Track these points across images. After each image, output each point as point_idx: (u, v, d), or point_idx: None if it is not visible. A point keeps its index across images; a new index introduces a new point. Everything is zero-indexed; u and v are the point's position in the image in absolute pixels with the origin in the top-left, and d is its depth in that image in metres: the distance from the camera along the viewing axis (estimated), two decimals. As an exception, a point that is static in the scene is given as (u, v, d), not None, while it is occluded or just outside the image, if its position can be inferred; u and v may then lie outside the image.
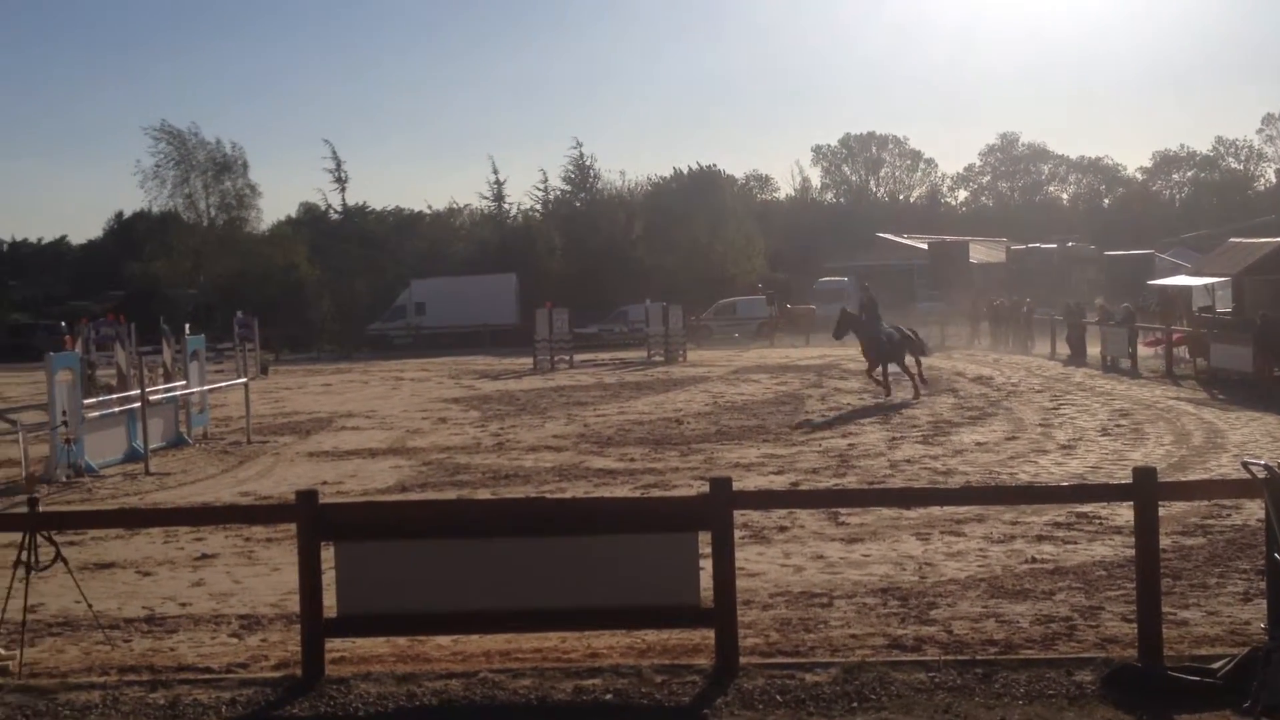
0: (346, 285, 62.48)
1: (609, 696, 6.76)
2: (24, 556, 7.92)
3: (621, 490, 13.78)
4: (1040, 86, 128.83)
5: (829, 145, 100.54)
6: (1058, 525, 10.98)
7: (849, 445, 16.75)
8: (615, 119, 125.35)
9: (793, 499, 11.19)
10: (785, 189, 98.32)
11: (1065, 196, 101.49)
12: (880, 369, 23.85)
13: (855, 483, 13.85)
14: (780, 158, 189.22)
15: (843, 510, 11.48)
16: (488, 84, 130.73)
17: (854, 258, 64.36)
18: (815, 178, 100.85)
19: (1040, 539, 10.58)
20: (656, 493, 13.29)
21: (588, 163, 72.00)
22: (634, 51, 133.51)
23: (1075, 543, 10.44)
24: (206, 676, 7.32)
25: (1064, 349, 32.34)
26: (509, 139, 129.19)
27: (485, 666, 7.33)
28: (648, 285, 51.41)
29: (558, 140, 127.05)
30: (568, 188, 72.77)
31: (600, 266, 60.74)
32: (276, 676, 7.28)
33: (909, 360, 24.17)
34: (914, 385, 23.69)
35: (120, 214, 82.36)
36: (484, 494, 13.85)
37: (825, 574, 9.63)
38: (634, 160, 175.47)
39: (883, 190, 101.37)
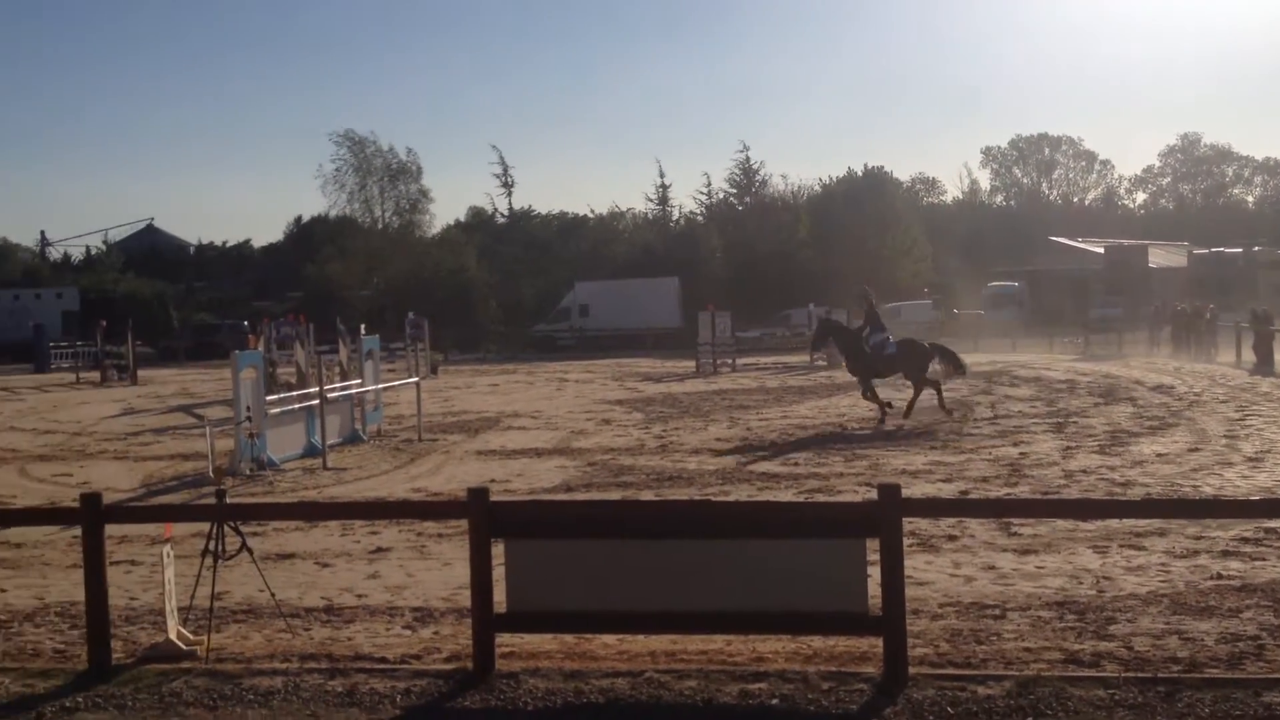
0: (512, 287, 63.65)
1: (775, 701, 6.71)
2: (212, 546, 8.28)
3: (785, 495, 13.68)
4: (1223, 85, 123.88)
5: (999, 147, 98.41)
6: (1245, 540, 10.49)
7: (1020, 454, 16.31)
8: (780, 122, 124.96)
9: (963, 508, 10.94)
10: (953, 192, 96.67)
11: (1250, 199, 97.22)
12: (868, 386, 20.99)
13: (1028, 492, 13.48)
14: (948, 160, 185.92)
15: (1015, 520, 11.18)
16: (653, 88, 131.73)
17: (1024, 262, 62.79)
18: (984, 180, 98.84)
19: (1226, 554, 10.12)
20: (820, 498, 13.17)
21: (753, 166, 71.92)
22: (800, 54, 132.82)
23: (1264, 559, 9.96)
24: (382, 666, 7.52)
25: (1250, 357, 30.95)
26: (674, 143, 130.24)
27: (651, 666, 7.35)
28: (811, 289, 51.00)
29: (722, 143, 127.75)
30: (732, 191, 72.79)
31: (763, 270, 60.58)
32: (448, 669, 7.44)
33: (935, 372, 21.18)
34: (908, 405, 20.55)
35: (300, 218, 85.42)
36: (647, 495, 13.92)
37: (997, 585, 9.39)
38: (799, 163, 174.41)
39: (1055, 193, 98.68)
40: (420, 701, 6.87)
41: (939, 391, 21.13)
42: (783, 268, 60.63)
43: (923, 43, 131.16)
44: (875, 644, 7.27)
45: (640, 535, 7.34)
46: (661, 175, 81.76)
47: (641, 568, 7.29)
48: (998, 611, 8.63)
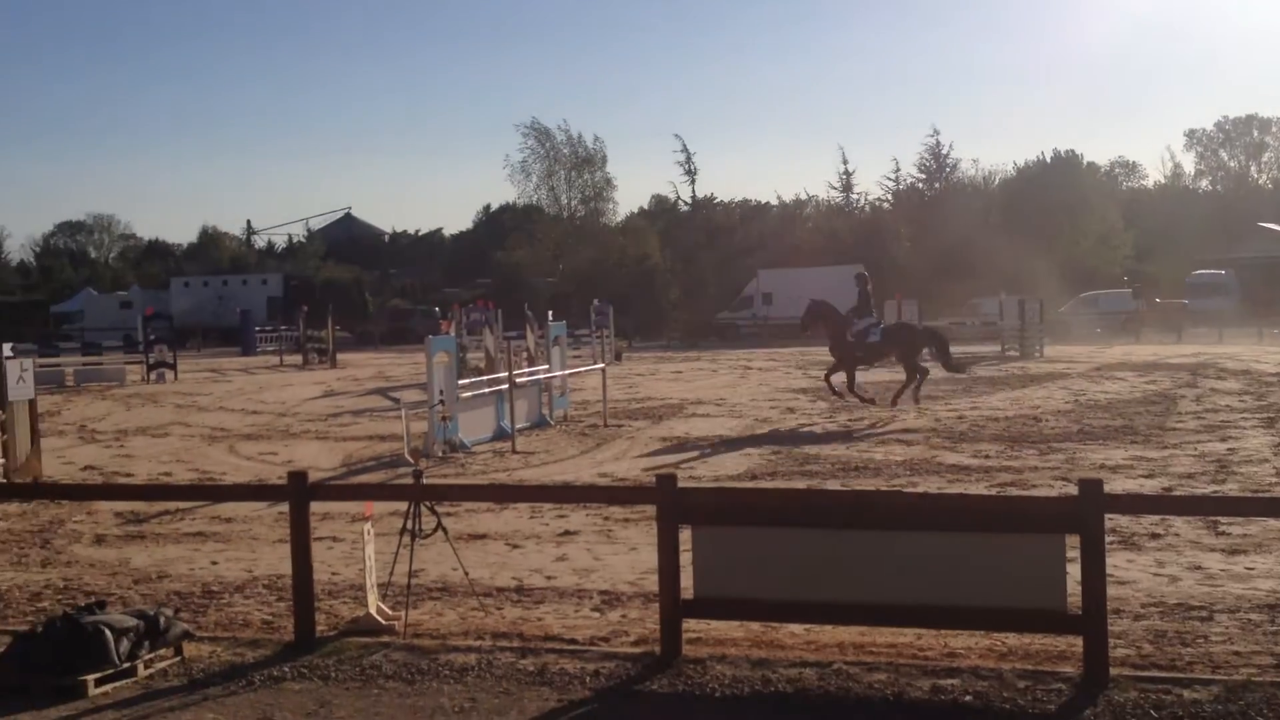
0: (695, 275, 63.80)
1: (968, 698, 6.56)
2: (409, 525, 8.54)
3: (976, 487, 13.36)
4: None
5: (1204, 129, 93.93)
6: None
7: (1228, 450, 15.56)
8: (971, 106, 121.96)
9: (1169, 504, 10.46)
10: (1154, 176, 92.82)
11: None
12: (841, 375, 21.05)
13: (1237, 490, 12.85)
14: (1148, 143, 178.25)
15: (1223, 519, 10.67)
16: (839, 74, 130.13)
17: (1232, 249, 59.84)
18: (1188, 164, 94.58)
19: None
20: (1013, 492, 12.80)
21: (942, 150, 70.43)
22: (991, 36, 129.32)
23: None
24: (571, 647, 7.64)
25: None
26: (859, 128, 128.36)
27: (839, 658, 7.28)
28: (1002, 277, 49.63)
29: (910, 129, 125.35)
30: (920, 176, 71.43)
31: (952, 258, 59.24)
32: (636, 652, 7.50)
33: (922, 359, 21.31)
34: (895, 393, 20.71)
35: (489, 206, 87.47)
36: (833, 485, 13.77)
37: (1204, 586, 8.98)
38: (990, 148, 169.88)
39: (1265, 177, 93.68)
40: (609, 683, 6.95)
41: (919, 383, 21.19)
42: (972, 255, 59.16)
43: (1122, 22, 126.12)
44: (1074, 643, 7.04)
45: (829, 525, 7.26)
46: (845, 161, 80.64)
47: (830, 558, 7.21)
48: (1204, 613, 8.25)
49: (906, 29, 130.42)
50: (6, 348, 16.06)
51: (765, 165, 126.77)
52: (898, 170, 72.11)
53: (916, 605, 7.12)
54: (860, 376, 22.51)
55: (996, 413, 20.68)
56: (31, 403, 14.37)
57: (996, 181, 70.99)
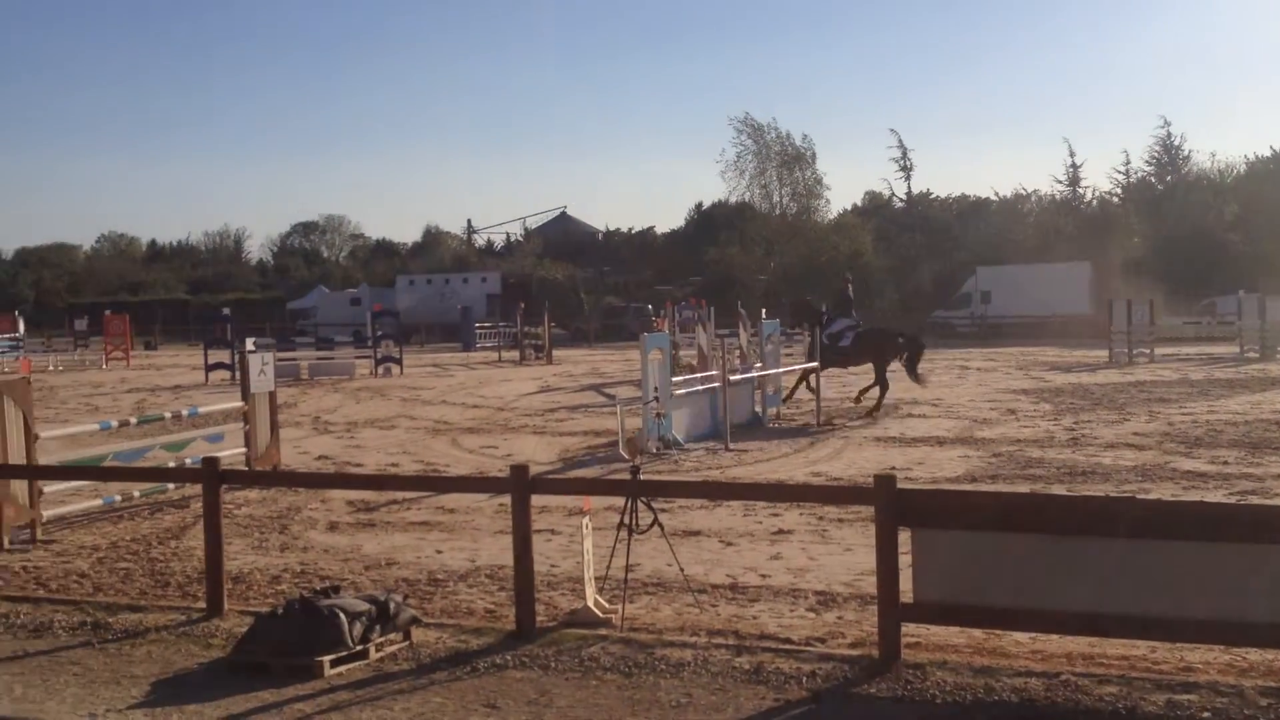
0: (910, 272, 62.62)
1: (1206, 715, 6.24)
2: (626, 520, 8.64)
3: (1214, 495, 12.69)
4: None
5: None
6: None
7: None
8: (1205, 96, 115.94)
9: None
10: None
11: None
12: (807, 377, 20.98)
13: None
14: None
15: None
16: (1062, 65, 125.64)
17: None
18: None
19: None
20: (1254, 500, 12.11)
21: (1175, 143, 67.23)
22: (1224, 24, 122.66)
23: None
24: (787, 647, 7.59)
25: None
26: (1085, 120, 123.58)
27: (1067, 668, 7.02)
28: (1241, 275, 47.04)
29: (1139, 120, 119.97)
30: (1151, 169, 68.36)
31: (1186, 254, 56.50)
32: (853, 654, 7.40)
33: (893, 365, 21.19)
34: (863, 389, 20.91)
35: (700, 204, 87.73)
36: (1058, 490, 13.29)
37: None
38: (1226, 140, 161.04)
39: None
40: (826, 685, 6.88)
41: (881, 394, 21.06)
42: (1208, 252, 56.31)
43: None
44: (1326, 664, 6.61)
45: (1057, 531, 7.01)
46: (1071, 154, 77.68)
47: (1058, 565, 6.96)
48: None
49: (1138, 13, 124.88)
50: (249, 342, 16.99)
51: (983, 160, 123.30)
52: (1128, 163, 69.27)
53: (1151, 617, 6.80)
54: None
55: (1235, 417, 19.60)
56: (271, 395, 15.13)
57: (1233, 175, 67.26)
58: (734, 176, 71.90)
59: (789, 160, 70.57)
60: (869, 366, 21.97)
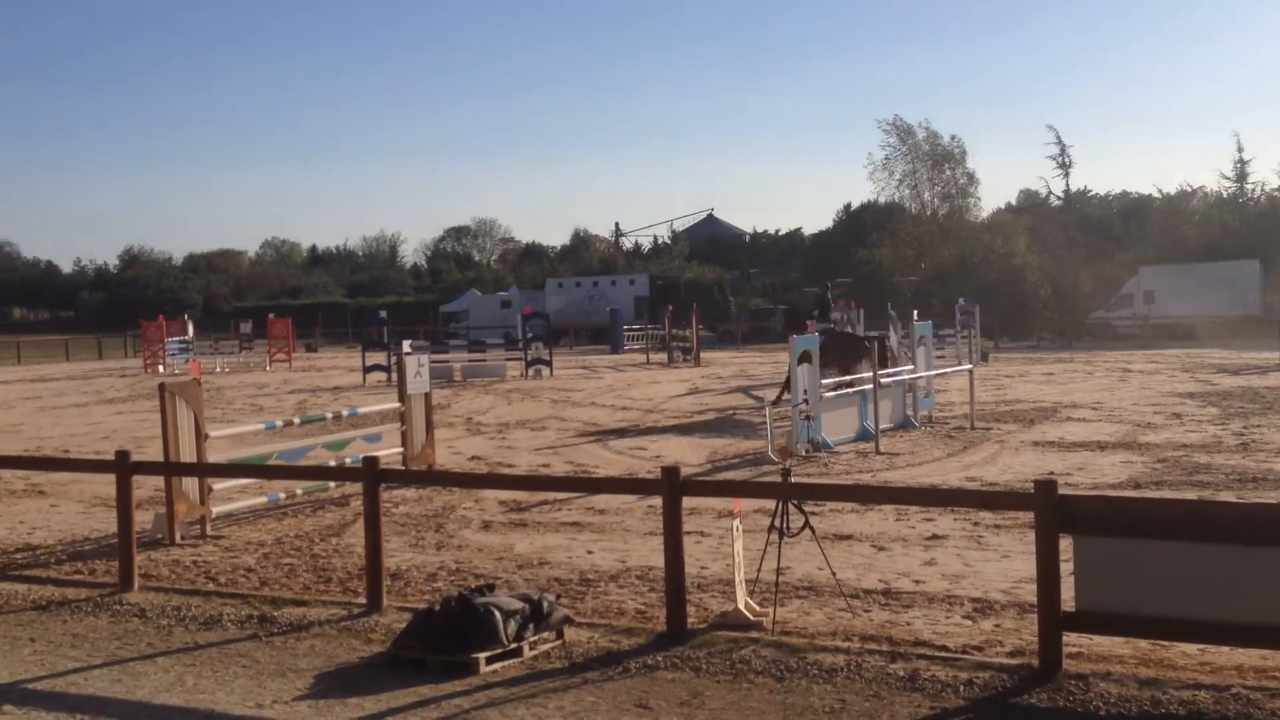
0: (1067, 272, 60.89)
1: (1394, 738, 5.92)
2: (777, 522, 8.59)
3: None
4: None
5: None
6: None
7: None
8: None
9: None
10: None
11: None
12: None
13: None
14: None
15: None
16: (1228, 58, 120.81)
17: None
18: None
19: None
20: None
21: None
22: None
23: None
24: (943, 655, 7.45)
25: None
26: (1254, 115, 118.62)
27: (1237, 681, 6.74)
28: None
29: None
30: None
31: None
32: (1011, 664, 7.22)
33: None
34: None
35: (849, 205, 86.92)
36: (1227, 497, 12.78)
37: None
38: None
39: None
40: (983, 694, 6.73)
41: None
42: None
43: None
44: None
45: (1228, 539, 6.73)
46: (1240, 149, 74.70)
47: (1229, 575, 6.69)
48: None
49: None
50: (406, 344, 17.40)
51: (1145, 157, 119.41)
52: (1298, 157, 66.26)
53: (1332, 632, 6.48)
54: None
55: None
56: (427, 396, 15.47)
57: None
58: (883, 177, 71.06)
59: (938, 160, 69.38)
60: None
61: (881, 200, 74.55)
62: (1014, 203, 78.36)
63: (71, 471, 14.24)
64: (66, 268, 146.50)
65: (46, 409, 29.48)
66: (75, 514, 13.90)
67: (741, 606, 8.30)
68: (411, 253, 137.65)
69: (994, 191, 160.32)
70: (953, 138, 69.61)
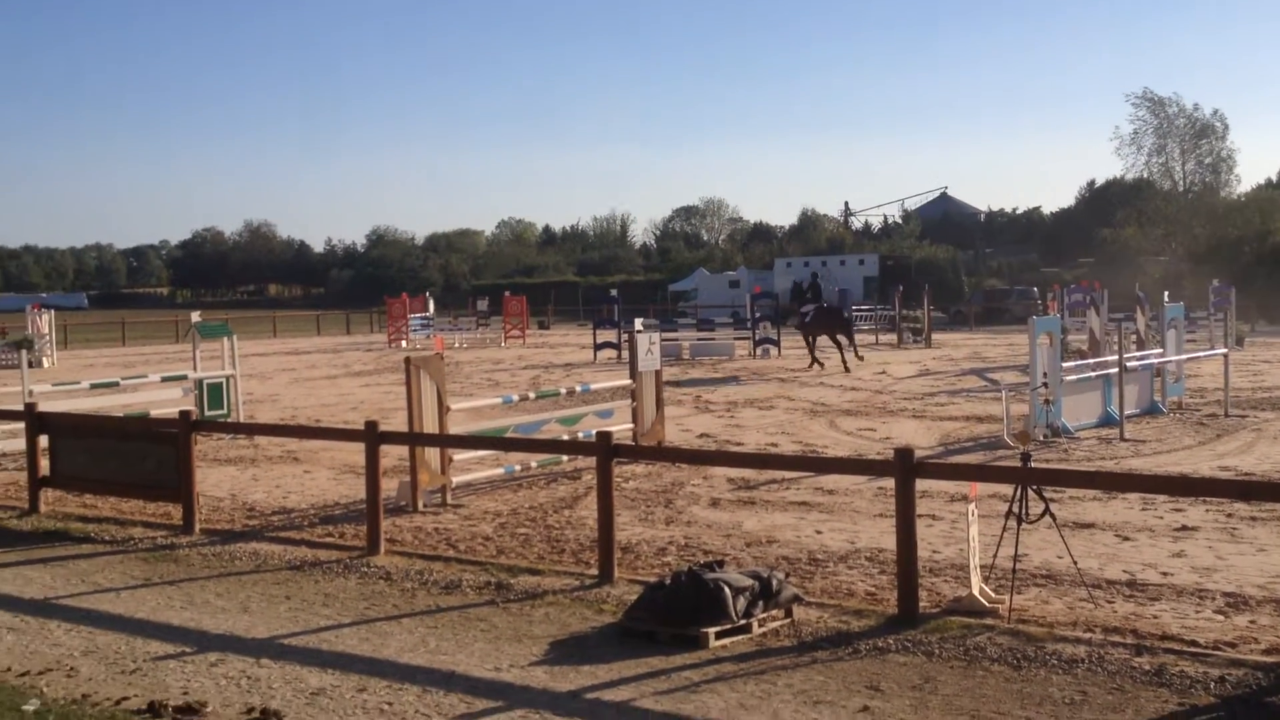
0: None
1: None
2: (1015, 508, 8.33)
3: None
4: None
5: None
6: None
7: None
8: None
9: None
10: None
11: None
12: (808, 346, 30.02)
13: None
14: None
15: None
16: None
17: None
18: None
19: None
20: None
21: None
22: None
23: None
24: (1191, 650, 7.09)
25: None
26: None
27: None
28: None
29: None
30: None
31: None
32: (1268, 661, 6.82)
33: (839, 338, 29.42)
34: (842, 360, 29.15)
35: (1092, 182, 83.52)
36: None
37: None
38: None
39: None
40: (1236, 691, 6.38)
41: (811, 349, 29.87)
42: None
43: None
44: None
45: None
46: None
47: None
48: None
49: None
50: (638, 322, 17.62)
51: None
52: None
53: None
54: None
55: None
56: (657, 373, 15.63)
57: None
58: (1131, 153, 67.95)
59: (1196, 134, 65.80)
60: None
61: (1128, 177, 71.30)
62: (1274, 179, 73.67)
63: (324, 440, 14.99)
64: (318, 247, 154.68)
65: (300, 380, 31.17)
66: (326, 480, 14.66)
67: (976, 592, 8.10)
68: (641, 232, 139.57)
69: (1255, 168, 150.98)
70: (1214, 111, 65.98)
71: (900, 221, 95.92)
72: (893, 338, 42.07)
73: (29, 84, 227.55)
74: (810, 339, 29.99)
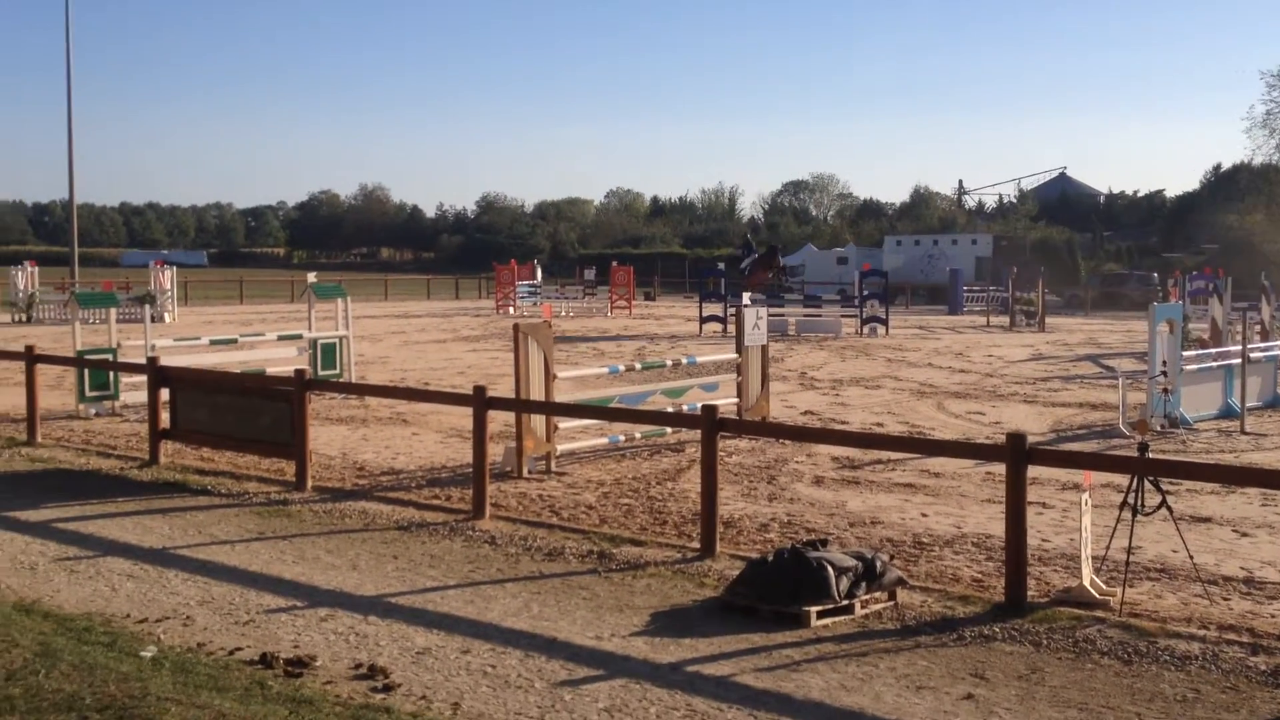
0: None
1: None
2: (1130, 499, 8.13)
3: None
4: None
5: None
6: None
7: None
8: None
9: None
10: None
11: None
12: None
13: None
14: None
15: None
16: None
17: None
18: None
19: None
20: None
21: None
22: None
23: None
24: (1313, 653, 6.87)
25: None
26: None
27: None
28: None
29: None
30: None
31: None
32: (1395, 672, 6.57)
33: None
34: None
35: (1219, 166, 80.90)
36: None
37: None
38: None
39: None
40: (1361, 701, 6.16)
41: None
42: None
43: None
44: None
45: None
46: None
47: None
48: None
49: None
50: (746, 297, 17.54)
51: None
52: None
53: None
54: None
55: None
56: (763, 348, 15.55)
57: None
58: (1261, 135, 65.64)
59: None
60: None
61: (1255, 161, 68.96)
62: None
63: (432, 403, 15.19)
64: (430, 212, 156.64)
65: (410, 344, 31.65)
66: (433, 442, 14.87)
67: (1086, 583, 7.93)
68: (749, 206, 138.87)
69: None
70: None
71: (1016, 201, 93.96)
72: (1004, 320, 41.32)
73: (160, 55, 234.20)
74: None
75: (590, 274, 54.56)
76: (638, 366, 17.06)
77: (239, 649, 6.92)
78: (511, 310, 48.63)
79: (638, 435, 14.18)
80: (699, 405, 11.15)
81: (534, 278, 53.97)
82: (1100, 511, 9.66)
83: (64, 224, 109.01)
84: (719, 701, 6.14)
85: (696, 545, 9.34)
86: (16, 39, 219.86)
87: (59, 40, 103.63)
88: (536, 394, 12.47)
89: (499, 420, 14.39)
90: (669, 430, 14.34)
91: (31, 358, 15.25)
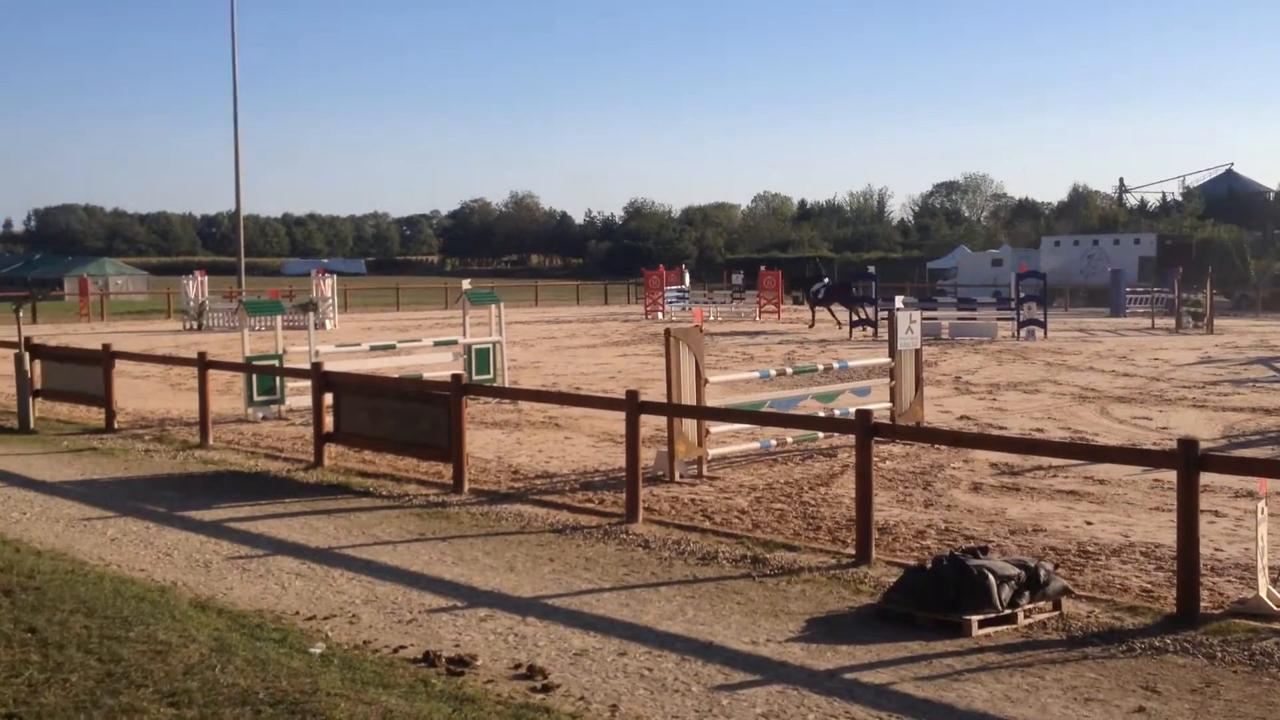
0: None
1: None
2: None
3: None
4: None
5: None
6: None
7: None
8: None
9: None
10: None
11: None
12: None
13: None
14: None
15: None
16: None
17: None
18: None
19: None
20: None
21: None
22: None
23: None
24: None
25: None
26: None
27: None
28: None
29: None
30: None
31: None
32: None
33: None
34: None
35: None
36: None
37: None
38: None
39: None
40: None
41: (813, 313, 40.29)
42: None
43: None
44: None
45: None
46: None
47: None
48: None
49: None
50: (898, 299, 17.29)
51: None
52: None
53: None
54: None
55: None
56: (917, 352, 15.31)
57: None
58: None
59: None
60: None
61: None
62: None
63: (584, 407, 15.30)
64: (579, 219, 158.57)
65: (560, 349, 32.02)
66: (585, 446, 15.01)
67: (1263, 594, 7.60)
68: (899, 208, 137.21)
69: None
70: None
71: (1180, 199, 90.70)
72: (1170, 322, 39.89)
73: (319, 73, 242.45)
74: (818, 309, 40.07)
75: (738, 278, 54.40)
76: (789, 371, 16.95)
77: (403, 647, 7.08)
78: (660, 315, 48.83)
79: (789, 440, 14.10)
80: (851, 410, 11.03)
81: (682, 283, 54.08)
82: (1277, 520, 9.25)
83: (231, 235, 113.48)
84: (878, 710, 6.06)
85: (851, 551, 9.24)
86: (190, 65, 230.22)
87: (227, 66, 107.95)
88: (688, 398, 12.49)
89: (650, 424, 14.46)
90: (820, 435, 14.22)
91: (204, 364, 15.89)
